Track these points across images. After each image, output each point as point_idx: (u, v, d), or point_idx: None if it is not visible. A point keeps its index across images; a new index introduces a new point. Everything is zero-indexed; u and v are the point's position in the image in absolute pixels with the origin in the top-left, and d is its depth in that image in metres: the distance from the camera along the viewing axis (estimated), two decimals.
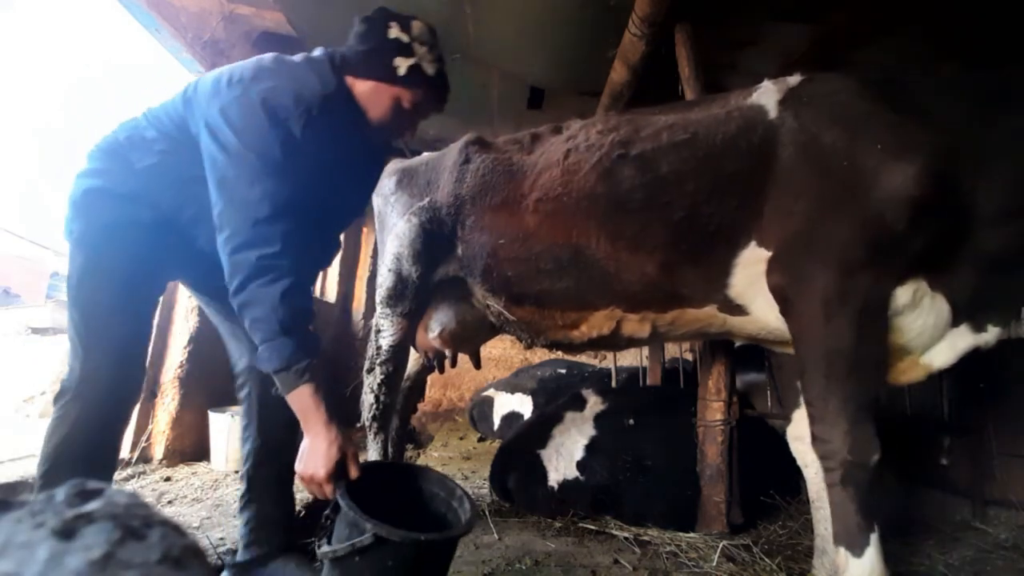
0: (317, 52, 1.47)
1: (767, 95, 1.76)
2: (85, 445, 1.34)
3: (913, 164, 1.50)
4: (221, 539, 1.97)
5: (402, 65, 1.38)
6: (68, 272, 1.40)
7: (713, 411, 2.28)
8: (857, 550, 1.46)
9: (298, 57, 1.44)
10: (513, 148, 2.14)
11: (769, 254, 1.66)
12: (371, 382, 2.43)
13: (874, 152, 1.54)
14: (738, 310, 1.80)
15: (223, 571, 1.57)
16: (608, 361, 4.71)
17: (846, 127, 1.60)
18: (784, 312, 1.65)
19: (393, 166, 2.44)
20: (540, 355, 5.43)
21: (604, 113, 2.89)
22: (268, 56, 1.41)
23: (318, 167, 1.38)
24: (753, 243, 1.69)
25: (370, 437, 2.46)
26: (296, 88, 1.31)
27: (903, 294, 1.55)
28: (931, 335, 1.63)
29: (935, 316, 1.60)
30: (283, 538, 1.62)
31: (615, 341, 2.05)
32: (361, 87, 1.42)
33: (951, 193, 1.53)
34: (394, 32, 1.38)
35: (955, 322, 1.62)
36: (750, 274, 1.71)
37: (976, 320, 1.62)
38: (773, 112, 1.71)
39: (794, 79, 1.79)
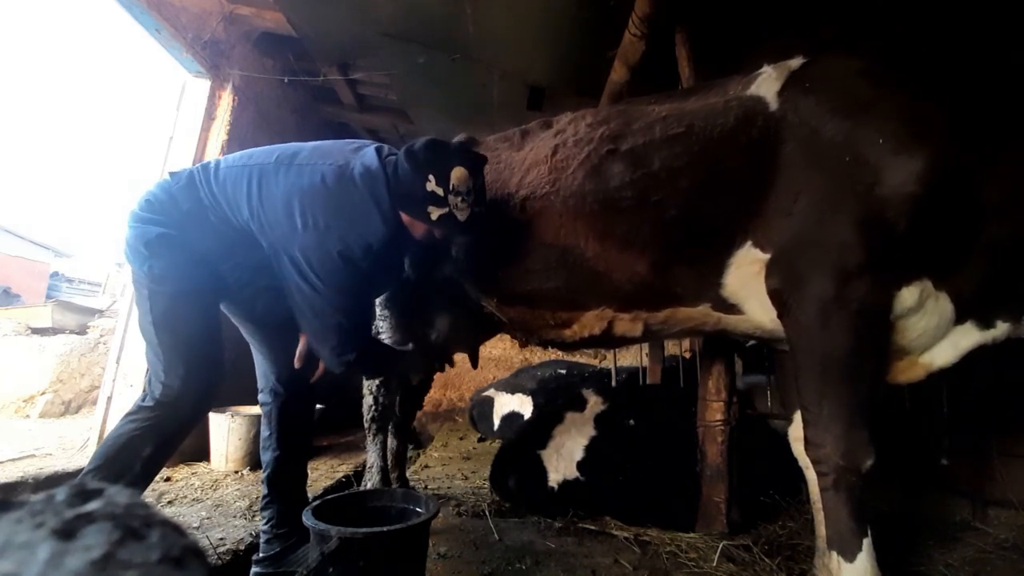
0: (374, 163, 1.59)
1: (767, 84, 1.67)
2: (155, 447, 1.55)
3: (917, 158, 1.40)
4: (221, 539, 1.97)
5: (435, 213, 1.54)
6: (151, 302, 1.56)
7: (713, 411, 2.27)
8: (849, 555, 1.45)
9: (360, 179, 1.56)
10: (503, 146, 2.07)
11: (765, 256, 1.60)
12: (370, 384, 2.44)
13: (876, 145, 1.45)
14: (732, 309, 1.75)
15: (252, 566, 1.77)
16: (608, 361, 4.71)
17: (847, 117, 1.50)
18: (781, 316, 1.60)
19: None
20: (540, 355, 5.43)
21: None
22: (332, 182, 1.54)
23: (380, 269, 1.68)
24: (749, 243, 1.62)
25: (369, 438, 2.46)
26: (366, 237, 1.54)
27: (908, 296, 1.48)
28: (933, 335, 1.56)
29: (938, 316, 1.52)
30: (302, 530, 1.73)
31: (608, 340, 2.00)
32: (403, 215, 1.61)
33: (961, 184, 1.43)
34: (431, 186, 1.52)
35: (959, 320, 1.55)
36: (744, 274, 1.65)
37: (984, 316, 1.55)
38: (773, 103, 1.61)
39: (795, 62, 1.68)
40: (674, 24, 2.52)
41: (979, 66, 1.62)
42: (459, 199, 1.53)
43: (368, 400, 2.45)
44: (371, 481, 2.41)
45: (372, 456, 2.44)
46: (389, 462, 2.53)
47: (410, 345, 2.11)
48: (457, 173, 1.52)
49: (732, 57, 2.26)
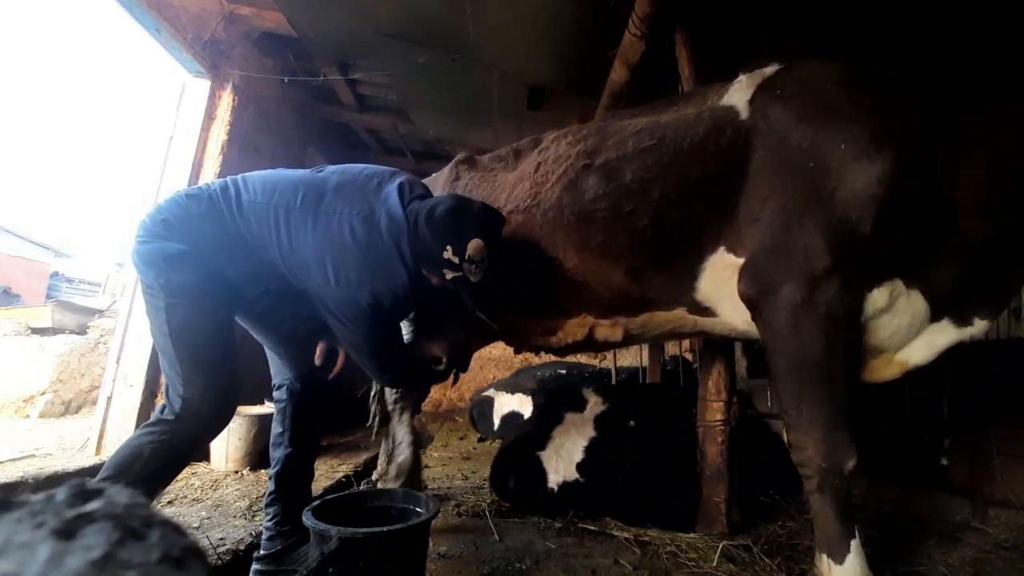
0: (398, 213, 1.63)
1: (738, 93, 1.70)
2: (170, 460, 1.55)
3: (877, 161, 1.42)
4: (221, 539, 1.97)
5: (449, 275, 1.63)
6: (167, 314, 1.54)
7: (713, 411, 2.27)
8: (838, 557, 1.45)
9: (386, 231, 1.61)
10: (498, 165, 2.19)
11: (739, 260, 1.62)
12: (376, 387, 2.44)
13: (837, 150, 1.47)
14: (707, 312, 1.79)
15: (252, 563, 1.77)
16: (608, 361, 4.71)
17: (813, 123, 1.53)
18: (755, 319, 1.62)
19: None
20: (540, 356, 5.43)
21: (599, 115, 2.86)
22: (362, 237, 1.59)
23: (404, 309, 1.79)
24: (722, 248, 1.66)
25: (395, 419, 2.44)
26: (393, 288, 1.61)
27: (880, 297, 1.49)
28: (906, 333, 1.57)
29: (910, 315, 1.53)
30: (304, 529, 1.74)
31: (591, 345, 2.07)
32: (421, 269, 1.69)
33: (927, 186, 1.45)
34: (447, 255, 1.59)
35: (934, 318, 1.56)
36: (717, 278, 1.69)
37: (960, 314, 1.56)
38: (744, 112, 1.65)
39: (770, 69, 1.72)
40: (674, 24, 2.52)
41: (968, 65, 1.63)
42: (473, 266, 1.60)
43: (373, 407, 2.45)
44: (402, 456, 2.36)
45: (401, 433, 2.39)
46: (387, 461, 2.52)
47: (443, 364, 2.13)
48: (474, 245, 1.58)
49: (732, 57, 2.26)
